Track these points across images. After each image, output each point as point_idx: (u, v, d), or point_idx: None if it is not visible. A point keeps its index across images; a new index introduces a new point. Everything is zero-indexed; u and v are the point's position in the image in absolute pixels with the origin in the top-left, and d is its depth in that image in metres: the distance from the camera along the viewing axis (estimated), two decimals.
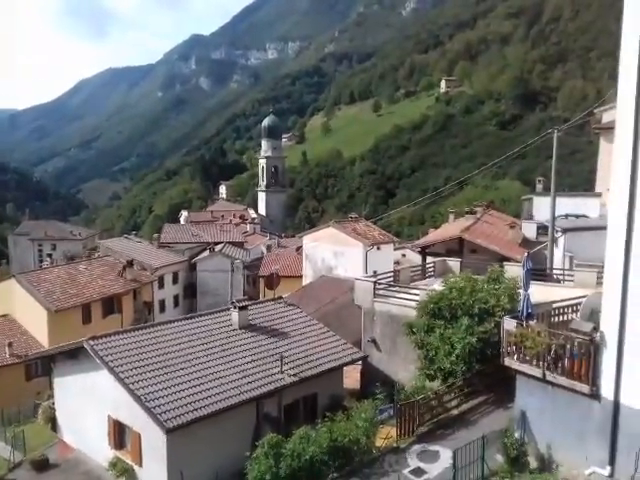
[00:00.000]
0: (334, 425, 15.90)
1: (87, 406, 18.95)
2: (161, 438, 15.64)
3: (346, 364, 20.99)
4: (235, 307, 20.44)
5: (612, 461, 11.89)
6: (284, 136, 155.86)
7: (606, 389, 11.95)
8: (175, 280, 49.28)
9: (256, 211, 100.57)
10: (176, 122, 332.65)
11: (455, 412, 17.72)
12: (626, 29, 11.17)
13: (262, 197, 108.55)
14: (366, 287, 24.07)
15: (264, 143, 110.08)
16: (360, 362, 22.57)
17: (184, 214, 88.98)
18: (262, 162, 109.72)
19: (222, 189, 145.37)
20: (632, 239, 11.28)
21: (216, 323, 20.28)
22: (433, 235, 41.74)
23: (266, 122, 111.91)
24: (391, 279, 26.51)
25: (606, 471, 11.94)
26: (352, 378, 23.15)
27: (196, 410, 15.93)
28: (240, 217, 76.57)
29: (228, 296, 40.76)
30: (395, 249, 41.27)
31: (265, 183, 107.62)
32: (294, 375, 18.38)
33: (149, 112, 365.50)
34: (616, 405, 11.77)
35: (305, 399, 19.32)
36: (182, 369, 17.57)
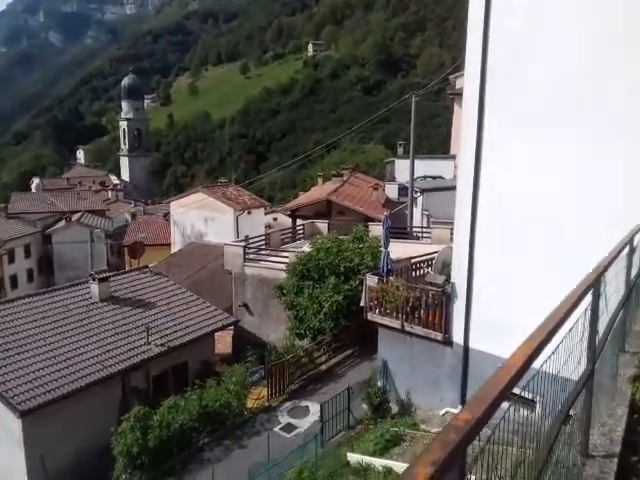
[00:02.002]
0: (205, 391, 15.77)
1: None
2: (16, 422, 14.52)
3: (217, 330, 20.77)
4: (94, 279, 19.23)
5: (463, 400, 13.02)
6: (147, 97, 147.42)
7: (457, 336, 12.97)
8: (27, 253, 45.29)
9: (119, 177, 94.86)
10: (23, 81, 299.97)
11: (324, 367, 18.38)
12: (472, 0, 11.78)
13: (125, 162, 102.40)
14: (236, 252, 23.90)
15: (124, 104, 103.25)
16: (232, 327, 22.48)
17: (36, 181, 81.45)
18: (123, 124, 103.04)
19: (80, 154, 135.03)
20: (478, 197, 12.14)
21: (74, 297, 18.96)
22: (303, 198, 42.25)
23: (126, 82, 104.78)
24: (262, 243, 26.56)
25: (458, 410, 13.05)
26: (224, 343, 23.05)
27: (54, 390, 14.92)
28: (101, 184, 71.75)
29: (89, 268, 38.32)
30: (266, 213, 41.32)
31: (127, 147, 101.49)
32: (161, 345, 17.84)
33: None
34: (466, 349, 12.82)
35: (175, 368, 18.88)
36: (36, 348, 16.30)
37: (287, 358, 17.26)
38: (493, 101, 11.62)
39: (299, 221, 33.52)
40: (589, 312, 2.92)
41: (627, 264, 4.84)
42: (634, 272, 5.17)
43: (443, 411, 13.14)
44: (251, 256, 24.13)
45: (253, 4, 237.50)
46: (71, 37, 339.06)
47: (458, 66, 32.41)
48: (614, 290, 4.14)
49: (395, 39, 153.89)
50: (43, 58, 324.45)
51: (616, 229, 5.42)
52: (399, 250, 18.79)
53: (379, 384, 14.24)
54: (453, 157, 35.45)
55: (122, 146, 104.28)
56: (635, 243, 5.26)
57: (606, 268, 3.40)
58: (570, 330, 2.47)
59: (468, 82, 12.21)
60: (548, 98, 10.79)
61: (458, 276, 12.70)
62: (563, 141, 10.62)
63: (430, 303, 13.20)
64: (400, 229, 26.29)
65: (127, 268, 33.18)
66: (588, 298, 2.90)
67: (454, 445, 1.23)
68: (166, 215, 43.28)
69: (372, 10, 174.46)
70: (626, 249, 4.63)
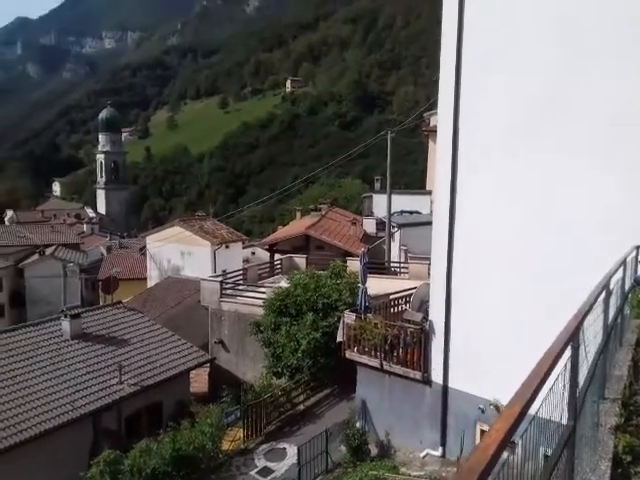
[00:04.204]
0: (178, 434, 15.26)
1: None
2: None
3: (192, 368, 20.28)
4: (66, 315, 18.73)
5: (443, 442, 12.80)
6: (125, 130, 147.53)
7: (436, 374, 12.81)
8: None
9: (95, 210, 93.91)
10: None
11: (302, 407, 18.00)
12: (444, 42, 12.06)
13: (101, 195, 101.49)
14: (212, 287, 23.59)
15: (102, 137, 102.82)
16: (208, 365, 22.00)
17: (9, 214, 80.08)
18: (100, 157, 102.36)
19: (56, 186, 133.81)
20: (454, 231, 12.17)
21: (44, 334, 18.40)
22: (281, 232, 42.16)
23: (104, 114, 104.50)
24: (240, 278, 26.29)
25: (438, 452, 12.81)
26: (200, 382, 22.50)
27: (19, 433, 14.28)
28: (76, 216, 70.85)
29: (62, 303, 37.41)
30: (244, 247, 41.05)
31: (104, 180, 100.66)
32: (135, 385, 17.33)
33: None
34: (445, 389, 12.65)
35: (149, 408, 18.32)
36: (4, 387, 15.68)
37: (264, 398, 16.88)
38: (465, 136, 11.78)
39: (277, 255, 33.37)
40: (569, 365, 2.86)
41: (604, 308, 4.82)
42: (611, 315, 5.15)
43: (424, 453, 12.90)
44: (228, 291, 23.81)
45: (231, 40, 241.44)
46: (49, 70, 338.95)
47: (432, 104, 33.15)
48: (593, 336, 4.10)
49: (371, 76, 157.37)
50: (20, 90, 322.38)
51: (591, 258, 5.45)
52: (377, 285, 18.73)
53: (358, 425, 13.95)
54: (429, 192, 35.86)
55: (99, 179, 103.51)
56: (611, 286, 5.26)
57: (584, 317, 3.36)
58: (550, 389, 2.39)
59: (441, 119, 12.40)
60: (512, 127, 10.97)
61: (436, 313, 12.63)
62: (531, 167, 10.71)
63: (408, 341, 13.09)
64: (378, 264, 26.29)
65: (101, 303, 32.48)
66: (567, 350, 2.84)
67: None
68: (142, 249, 42.72)
69: (348, 48, 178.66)
70: (603, 293, 4.61)
